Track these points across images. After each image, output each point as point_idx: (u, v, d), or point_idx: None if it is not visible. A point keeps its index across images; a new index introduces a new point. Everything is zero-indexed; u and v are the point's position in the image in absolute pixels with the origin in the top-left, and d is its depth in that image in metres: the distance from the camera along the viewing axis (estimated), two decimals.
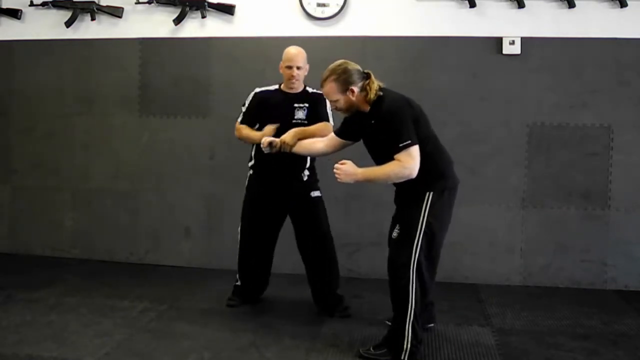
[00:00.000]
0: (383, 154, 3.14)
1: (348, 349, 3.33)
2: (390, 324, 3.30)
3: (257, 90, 3.90)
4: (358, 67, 3.23)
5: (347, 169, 3.13)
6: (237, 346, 3.35)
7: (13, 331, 3.47)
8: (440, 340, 3.50)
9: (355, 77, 3.18)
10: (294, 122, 3.74)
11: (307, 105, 3.80)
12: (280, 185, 3.86)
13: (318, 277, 3.93)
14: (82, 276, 4.65)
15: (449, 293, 4.15)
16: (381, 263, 4.55)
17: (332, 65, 3.25)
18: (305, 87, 3.88)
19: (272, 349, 3.32)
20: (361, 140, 3.36)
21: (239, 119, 3.91)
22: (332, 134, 3.45)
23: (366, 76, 3.20)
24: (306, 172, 3.88)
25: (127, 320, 3.71)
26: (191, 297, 4.22)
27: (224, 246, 4.89)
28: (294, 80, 3.79)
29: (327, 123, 3.76)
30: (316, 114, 3.79)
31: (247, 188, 4.00)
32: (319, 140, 3.53)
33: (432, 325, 3.61)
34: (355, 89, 3.17)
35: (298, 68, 3.79)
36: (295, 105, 3.79)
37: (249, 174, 3.99)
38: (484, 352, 3.35)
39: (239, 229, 4.01)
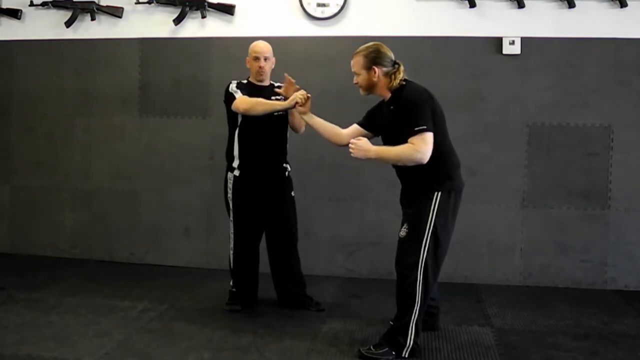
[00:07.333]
0: (397, 143, 3.17)
1: (348, 349, 3.33)
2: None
3: (235, 81, 3.83)
4: (391, 54, 3.30)
5: (361, 145, 3.17)
6: (237, 346, 3.35)
7: (13, 331, 3.47)
8: (440, 340, 3.50)
9: (384, 60, 3.25)
10: (276, 114, 3.74)
11: (282, 97, 3.76)
12: (267, 181, 3.84)
13: (289, 277, 3.96)
14: (82, 276, 4.65)
15: (449, 293, 4.15)
16: (381, 263, 4.60)
17: (368, 43, 3.33)
18: (270, 82, 3.89)
19: (272, 349, 3.32)
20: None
21: (238, 95, 3.70)
22: (355, 124, 3.52)
23: (396, 65, 3.26)
24: (288, 167, 3.91)
25: (127, 320, 3.71)
26: (191, 297, 4.22)
27: (224, 246, 4.85)
28: (262, 72, 3.80)
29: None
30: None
31: (234, 192, 3.85)
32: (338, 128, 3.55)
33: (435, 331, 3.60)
34: (379, 70, 3.23)
35: (266, 59, 3.79)
36: (273, 97, 3.78)
37: (233, 176, 3.85)
38: (484, 352, 3.35)
39: (231, 234, 3.94)
